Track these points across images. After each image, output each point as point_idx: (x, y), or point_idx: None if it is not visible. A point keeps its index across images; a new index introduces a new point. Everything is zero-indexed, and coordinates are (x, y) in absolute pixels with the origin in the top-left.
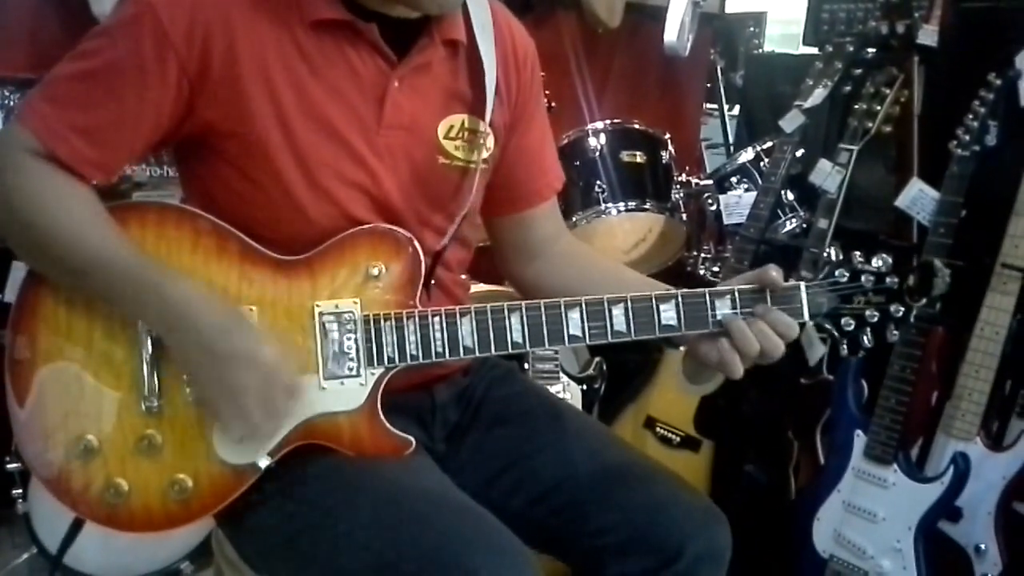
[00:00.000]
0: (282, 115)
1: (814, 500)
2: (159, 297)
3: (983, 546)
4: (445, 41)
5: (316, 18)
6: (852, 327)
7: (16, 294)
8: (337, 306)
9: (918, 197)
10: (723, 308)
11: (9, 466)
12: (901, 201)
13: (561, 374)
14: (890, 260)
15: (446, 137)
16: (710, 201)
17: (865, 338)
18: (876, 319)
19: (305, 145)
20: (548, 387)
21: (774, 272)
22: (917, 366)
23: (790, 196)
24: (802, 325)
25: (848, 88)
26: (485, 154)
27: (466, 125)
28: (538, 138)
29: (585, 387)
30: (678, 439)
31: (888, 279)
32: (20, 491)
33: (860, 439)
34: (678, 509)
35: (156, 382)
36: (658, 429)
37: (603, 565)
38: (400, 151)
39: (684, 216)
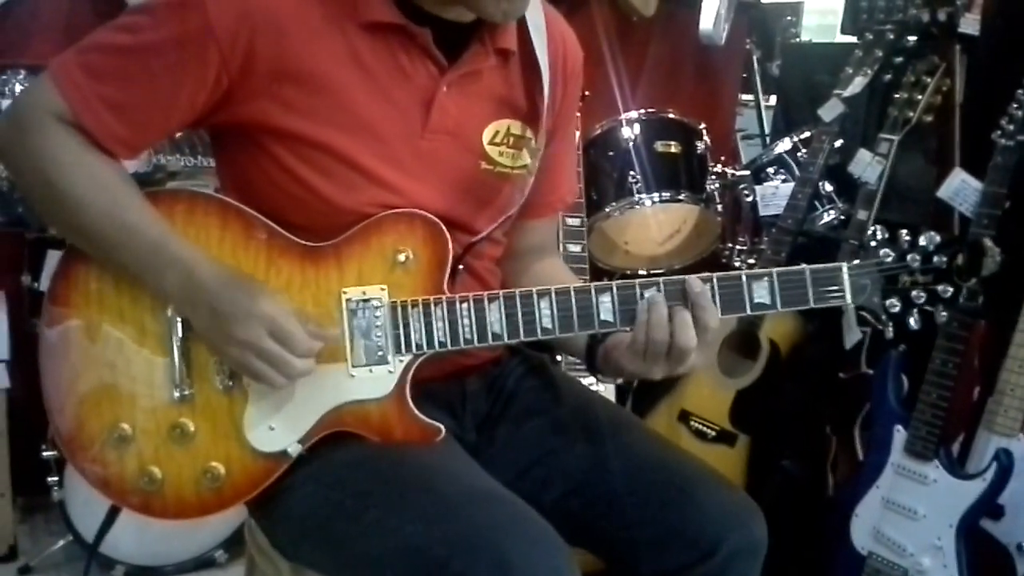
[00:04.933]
0: (325, 115)
1: (852, 496)
2: (186, 273)
3: None
4: (497, 50)
5: (370, 20)
6: (898, 309)
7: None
8: (364, 293)
9: (961, 188)
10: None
11: (45, 454)
12: (943, 192)
13: None
14: (937, 238)
15: (491, 143)
16: (746, 192)
17: (912, 320)
18: (923, 300)
19: (345, 146)
20: (580, 379)
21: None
22: (959, 360)
23: (828, 187)
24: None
25: (888, 77)
26: (529, 160)
27: (512, 131)
28: (565, 151)
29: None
30: (713, 433)
31: (936, 258)
32: (56, 479)
33: (900, 434)
34: (714, 503)
35: (187, 370)
36: (692, 423)
37: (637, 559)
38: (443, 156)
39: (719, 207)
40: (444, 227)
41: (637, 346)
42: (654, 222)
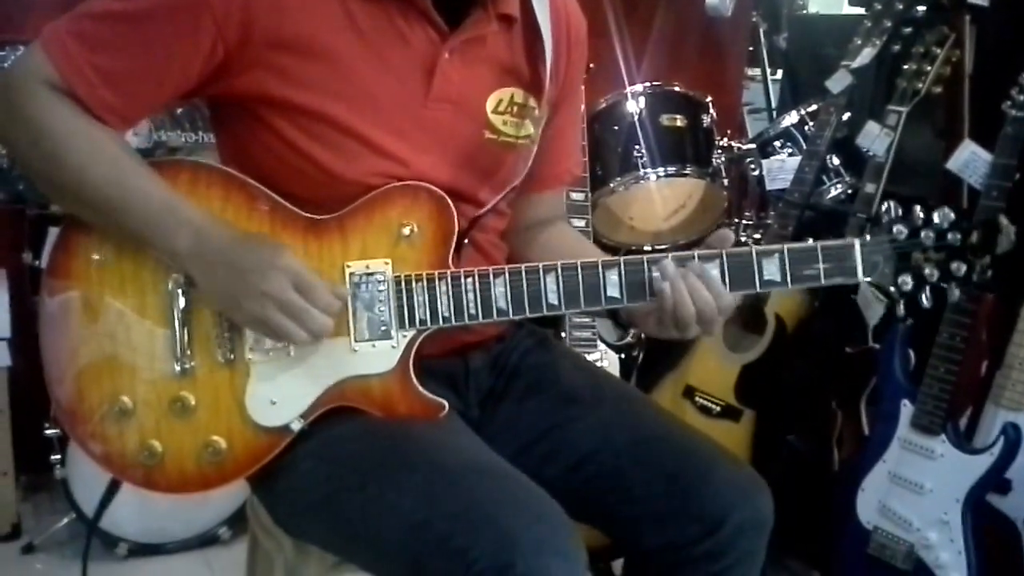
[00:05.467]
0: (323, 84)
1: (858, 471)
2: (199, 232)
3: None
4: (500, 16)
5: None
6: (910, 286)
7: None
8: (368, 267)
9: (970, 160)
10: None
11: (47, 432)
12: (952, 164)
13: (599, 342)
14: (952, 215)
15: (494, 112)
16: (752, 166)
17: (924, 297)
18: (936, 277)
19: (344, 115)
20: (585, 355)
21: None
22: (967, 334)
23: (835, 161)
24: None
25: (897, 48)
26: (532, 130)
27: (515, 99)
28: (570, 122)
29: (623, 356)
30: (718, 408)
31: (950, 235)
32: (59, 457)
33: (907, 409)
34: (720, 478)
35: (188, 343)
36: (697, 399)
37: (642, 534)
38: (446, 125)
39: (725, 182)
40: (450, 201)
41: (665, 321)
42: (659, 197)
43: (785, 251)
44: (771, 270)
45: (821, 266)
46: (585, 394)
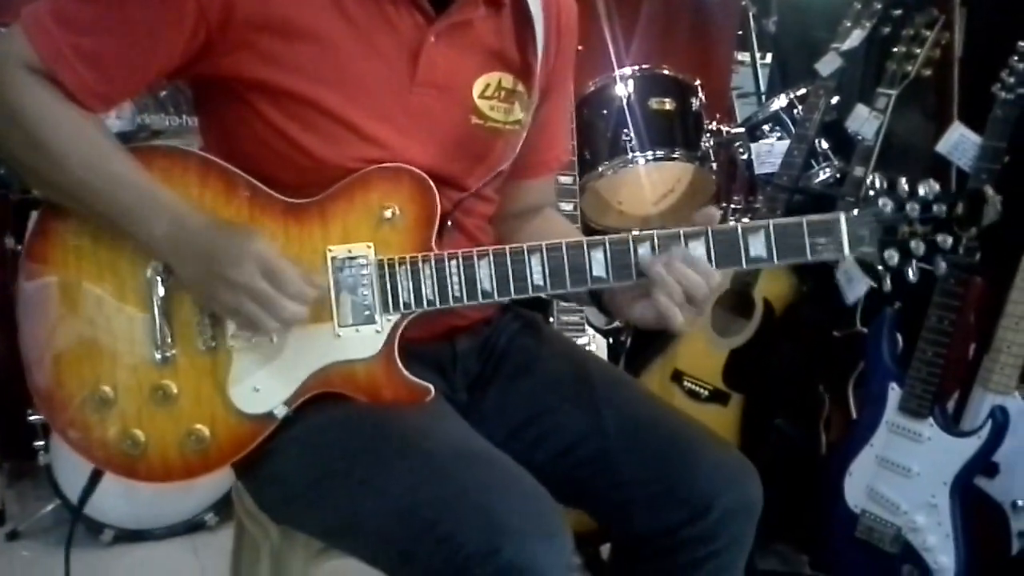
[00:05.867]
0: (307, 66)
1: (846, 454)
2: (175, 220)
3: (1020, 502)
4: (488, 0)
5: None
6: (896, 260)
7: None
8: (350, 251)
9: (959, 142)
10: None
11: (31, 418)
12: (942, 146)
13: (587, 326)
14: (937, 187)
15: (481, 96)
16: (741, 150)
17: (910, 271)
18: (922, 251)
19: (328, 98)
20: (574, 340)
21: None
22: (955, 317)
23: (824, 145)
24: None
25: (887, 30)
26: (521, 115)
27: (503, 84)
28: (560, 108)
29: (611, 340)
30: (706, 393)
31: (935, 207)
32: (42, 443)
33: (895, 392)
34: (708, 462)
35: (168, 331)
36: (686, 383)
37: (631, 518)
38: (432, 111)
39: (714, 166)
40: (432, 182)
41: (659, 304)
42: (648, 181)
43: (771, 226)
44: (757, 246)
45: (807, 241)
46: (573, 378)
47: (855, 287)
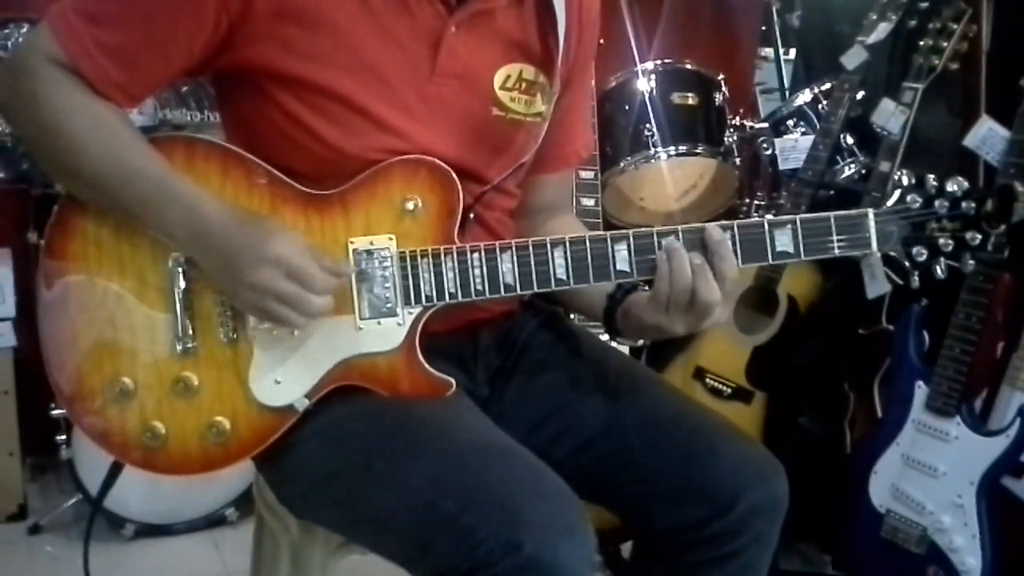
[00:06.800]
0: (327, 56)
1: (871, 453)
2: (192, 213)
3: None
4: None
5: None
6: (924, 257)
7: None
8: (372, 243)
9: (988, 136)
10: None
11: (54, 412)
12: (969, 140)
13: None
14: (965, 183)
15: (502, 88)
16: (765, 145)
17: (939, 268)
18: (951, 248)
19: (348, 89)
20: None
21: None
22: (983, 315)
23: (849, 140)
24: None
25: (913, 23)
26: (542, 107)
27: (524, 76)
28: (580, 102)
29: None
30: (729, 390)
31: (964, 204)
32: (64, 437)
33: (921, 391)
34: (733, 457)
35: (189, 323)
36: (708, 380)
37: (652, 514)
38: (452, 101)
39: (737, 161)
40: (454, 174)
41: (660, 297)
42: (670, 177)
43: (798, 222)
44: (783, 241)
45: (835, 237)
46: (595, 373)
47: (876, 285)
